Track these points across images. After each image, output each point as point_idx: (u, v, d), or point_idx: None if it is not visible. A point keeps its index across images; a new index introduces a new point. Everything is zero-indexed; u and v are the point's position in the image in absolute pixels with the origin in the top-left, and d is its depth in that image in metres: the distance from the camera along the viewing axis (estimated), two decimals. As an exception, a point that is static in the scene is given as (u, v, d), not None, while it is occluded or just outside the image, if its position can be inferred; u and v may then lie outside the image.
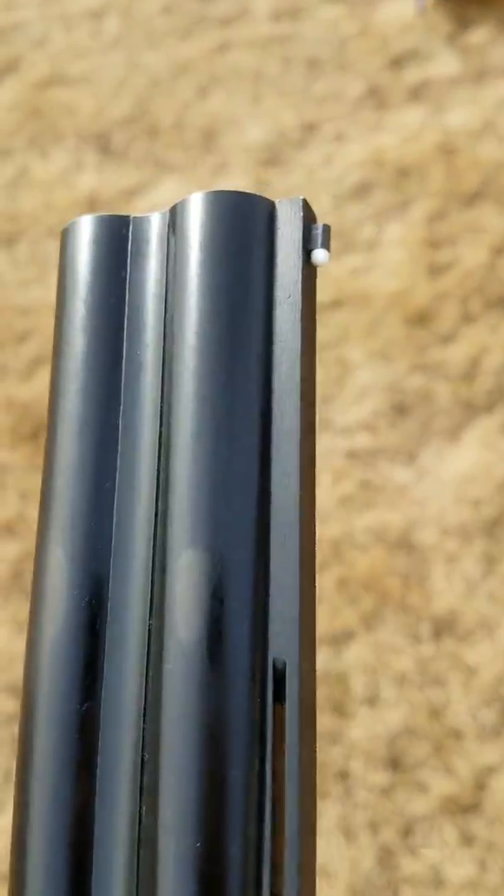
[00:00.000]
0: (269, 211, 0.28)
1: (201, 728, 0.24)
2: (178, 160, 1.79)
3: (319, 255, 0.29)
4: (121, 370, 0.28)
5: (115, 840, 0.24)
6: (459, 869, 1.11)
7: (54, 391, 0.29)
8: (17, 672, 1.22)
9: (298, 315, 0.28)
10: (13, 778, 1.00)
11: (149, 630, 0.26)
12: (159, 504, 0.27)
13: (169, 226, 0.29)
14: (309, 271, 0.29)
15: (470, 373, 1.52)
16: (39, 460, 1.24)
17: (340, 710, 1.21)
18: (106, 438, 0.28)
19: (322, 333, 1.59)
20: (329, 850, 1.12)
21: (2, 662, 1.26)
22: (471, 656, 1.25)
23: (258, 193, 0.29)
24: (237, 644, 0.24)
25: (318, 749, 0.90)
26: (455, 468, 1.43)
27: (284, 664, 0.24)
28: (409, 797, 1.15)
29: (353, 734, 1.19)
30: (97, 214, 0.30)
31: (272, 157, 1.77)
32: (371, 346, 1.56)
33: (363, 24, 1.95)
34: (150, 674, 0.25)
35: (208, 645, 0.24)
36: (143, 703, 0.25)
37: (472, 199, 1.71)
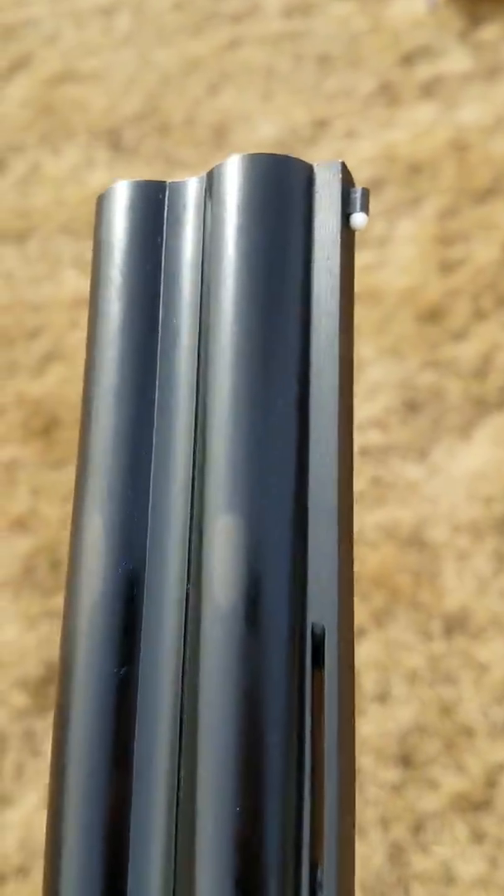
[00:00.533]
0: (308, 174, 0.28)
1: (239, 692, 0.24)
2: (188, 157, 1.79)
3: (358, 218, 0.28)
4: (157, 337, 0.28)
5: (152, 803, 0.24)
6: (470, 866, 1.10)
7: (90, 358, 0.29)
8: (29, 667, 1.22)
9: (337, 280, 0.27)
10: (25, 773, 1.00)
11: (186, 595, 0.26)
12: (196, 469, 0.27)
13: (206, 190, 0.29)
14: (348, 235, 0.28)
15: (482, 370, 1.52)
16: (51, 456, 1.24)
17: None
18: (143, 404, 0.28)
19: None
20: None
21: (13, 657, 1.26)
22: (482, 654, 1.24)
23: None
24: (275, 608, 0.24)
25: None
26: (466, 465, 1.42)
27: (323, 629, 0.24)
28: (419, 794, 1.15)
29: (363, 731, 1.18)
30: (133, 180, 0.30)
31: (283, 153, 1.76)
32: (382, 342, 1.56)
33: (374, 20, 1.95)
34: (188, 638, 0.25)
35: (245, 609, 0.24)
36: (181, 668, 0.25)
37: (485, 195, 1.71)
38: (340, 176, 0.28)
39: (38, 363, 1.60)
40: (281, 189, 0.28)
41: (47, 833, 0.25)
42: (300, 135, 1.77)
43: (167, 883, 0.24)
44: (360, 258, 1.37)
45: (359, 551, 1.34)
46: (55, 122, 1.84)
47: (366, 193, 0.28)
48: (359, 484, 1.42)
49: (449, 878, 1.10)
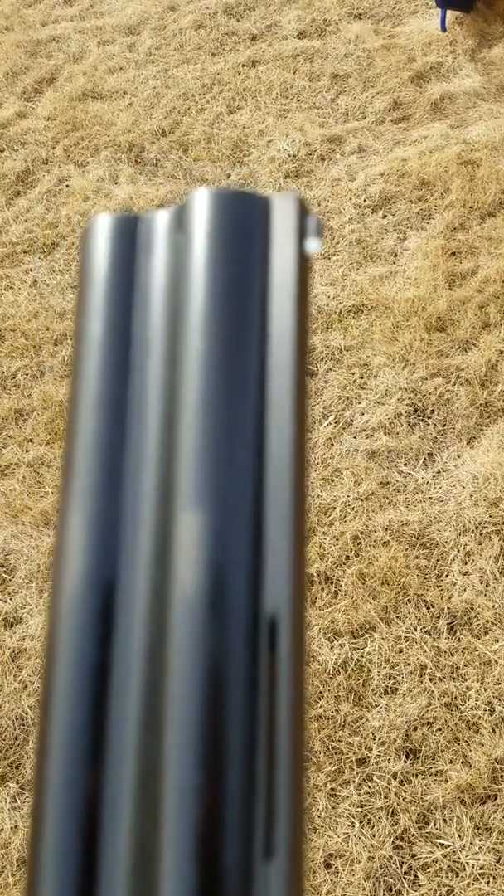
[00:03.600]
0: (265, 206, 0.30)
1: (200, 672, 0.26)
2: (207, 172, 1.80)
3: (312, 244, 0.30)
4: (131, 353, 0.31)
5: (122, 775, 0.26)
6: (475, 857, 1.11)
7: (74, 372, 0.32)
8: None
9: (292, 301, 0.30)
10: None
11: (155, 584, 0.28)
12: (166, 471, 0.28)
13: (174, 222, 0.32)
14: (303, 261, 0.30)
15: (488, 377, 1.53)
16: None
17: (360, 701, 1.22)
18: (118, 414, 0.30)
19: (345, 338, 1.60)
20: (348, 836, 1.12)
21: (38, 650, 1.29)
22: (487, 651, 1.25)
23: (256, 191, 0.32)
24: (235, 597, 0.26)
25: (338, 738, 0.89)
26: (472, 469, 1.43)
27: (278, 614, 0.26)
28: (426, 786, 1.15)
29: (373, 724, 1.20)
30: (112, 214, 0.33)
31: (297, 169, 1.77)
32: (392, 350, 1.57)
33: (388, 39, 1.96)
34: (156, 624, 0.27)
35: (206, 596, 0.26)
36: (150, 650, 0.27)
37: (492, 210, 1.72)
38: (295, 206, 0.30)
39: (62, 368, 1.63)
40: (241, 222, 0.30)
41: (32, 808, 0.28)
42: (314, 151, 1.79)
43: (135, 849, 0.26)
44: (372, 270, 1.38)
45: (368, 551, 1.35)
46: (80, 137, 1.86)
47: (319, 221, 0.31)
48: (368, 486, 1.42)
49: (454, 869, 1.11)
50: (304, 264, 0.30)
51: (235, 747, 0.25)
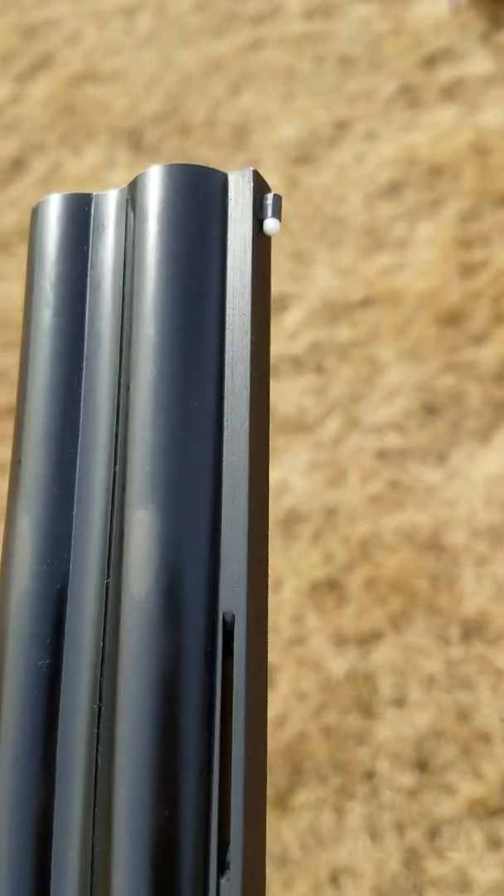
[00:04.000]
0: (223, 183, 0.29)
1: (152, 679, 0.25)
2: (209, 157, 1.80)
3: (270, 224, 0.29)
4: (83, 341, 0.30)
5: (72, 788, 0.26)
6: (486, 873, 1.10)
7: (22, 363, 0.30)
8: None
9: (249, 283, 0.28)
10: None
11: (106, 588, 0.27)
12: (117, 467, 0.28)
13: (128, 200, 0.31)
14: (261, 240, 0.29)
15: (502, 373, 1.52)
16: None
17: (368, 711, 1.21)
18: (69, 408, 0.29)
19: (352, 332, 1.59)
20: (355, 850, 1.12)
21: None
22: (500, 659, 1.24)
23: (214, 167, 0.30)
24: (187, 599, 0.26)
25: (343, 748, 0.89)
26: (486, 470, 1.42)
27: (234, 617, 0.25)
28: (436, 799, 1.14)
29: (380, 735, 1.19)
30: (62, 193, 0.31)
31: (303, 155, 1.77)
32: (402, 345, 1.56)
33: (396, 22, 1.95)
34: (107, 629, 0.26)
35: (159, 599, 0.25)
36: (101, 657, 0.27)
37: None
38: (252, 183, 0.29)
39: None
40: (196, 198, 0.29)
41: None
42: (320, 136, 1.77)
43: (86, 865, 0.25)
44: (381, 260, 1.37)
45: (376, 555, 1.34)
46: (76, 122, 1.85)
47: (277, 199, 0.29)
48: (377, 487, 1.42)
49: (464, 884, 1.10)
50: (262, 245, 0.29)
51: (189, 757, 0.24)
